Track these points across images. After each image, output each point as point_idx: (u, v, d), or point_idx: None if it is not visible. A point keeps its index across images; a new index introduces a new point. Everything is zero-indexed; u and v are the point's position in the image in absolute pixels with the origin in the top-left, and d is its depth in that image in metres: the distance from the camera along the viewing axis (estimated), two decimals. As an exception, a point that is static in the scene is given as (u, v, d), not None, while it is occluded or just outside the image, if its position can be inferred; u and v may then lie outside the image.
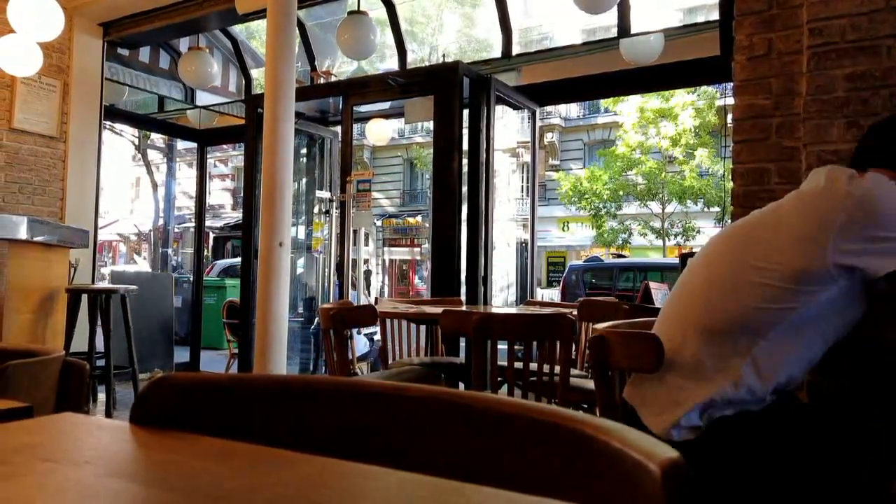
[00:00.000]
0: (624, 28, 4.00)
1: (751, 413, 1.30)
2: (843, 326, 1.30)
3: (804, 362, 1.30)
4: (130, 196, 23.05)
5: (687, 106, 15.14)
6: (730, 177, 2.46)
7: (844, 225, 1.21)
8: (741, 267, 1.33)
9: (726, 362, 1.28)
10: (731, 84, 2.46)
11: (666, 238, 16.56)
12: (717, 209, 15.33)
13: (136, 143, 15.73)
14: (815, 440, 1.28)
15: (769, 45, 2.33)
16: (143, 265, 19.54)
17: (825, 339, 1.29)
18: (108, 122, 5.91)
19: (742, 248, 1.36)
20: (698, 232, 16.04)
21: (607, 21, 4.37)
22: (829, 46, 2.09)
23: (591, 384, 2.33)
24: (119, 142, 15.24)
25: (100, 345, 3.87)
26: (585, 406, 2.52)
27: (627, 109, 16.04)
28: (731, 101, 2.57)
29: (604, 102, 17.95)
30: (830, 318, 1.28)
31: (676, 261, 7.39)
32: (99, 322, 3.74)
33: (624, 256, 14.18)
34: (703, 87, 14.94)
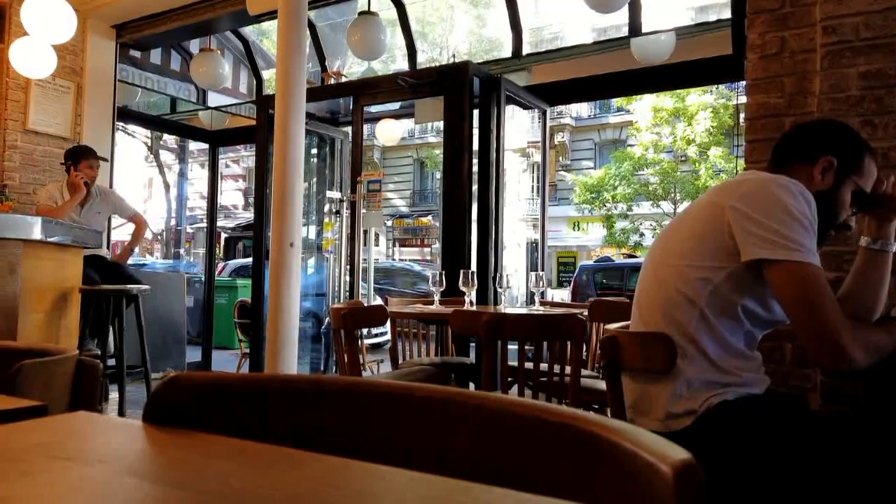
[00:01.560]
0: (635, 27, 3.99)
1: (752, 398, 1.31)
2: (758, 306, 1.35)
3: (747, 335, 1.36)
4: (143, 197, 23.23)
5: (703, 107, 15.02)
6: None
7: (740, 199, 1.31)
8: (664, 251, 1.45)
9: (684, 338, 1.34)
10: (744, 83, 2.44)
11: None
12: None
13: (149, 144, 15.86)
14: (824, 438, 1.27)
15: (782, 44, 2.31)
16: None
17: (751, 317, 1.35)
18: (120, 124, 5.96)
19: (666, 241, 1.48)
20: (712, 231, 15.91)
21: (618, 20, 4.35)
22: (844, 44, 2.07)
23: (601, 385, 2.32)
24: (132, 143, 15.36)
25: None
26: (596, 407, 2.51)
27: (641, 108, 15.96)
28: (743, 99, 2.55)
29: (616, 102, 17.88)
30: (744, 293, 1.33)
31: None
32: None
33: (635, 256, 14.11)
34: (720, 87, 14.84)
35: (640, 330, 1.44)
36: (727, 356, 1.33)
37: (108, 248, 4.37)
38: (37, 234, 2.89)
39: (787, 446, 1.24)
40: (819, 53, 2.13)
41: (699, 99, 15.11)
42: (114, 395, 4.10)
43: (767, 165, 1.51)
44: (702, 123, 15.02)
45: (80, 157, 4.03)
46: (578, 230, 19.35)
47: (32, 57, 3.91)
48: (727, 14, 3.66)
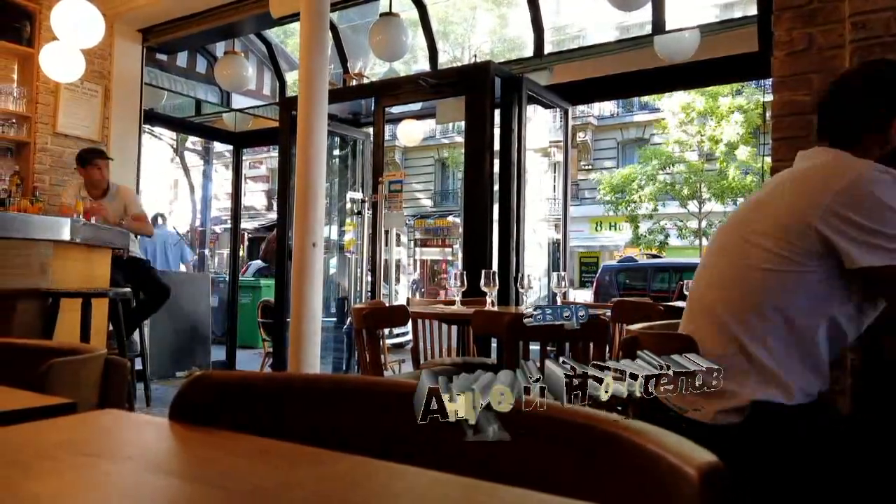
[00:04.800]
0: (658, 25, 3.95)
1: (794, 405, 1.26)
2: (848, 322, 1.28)
3: (830, 351, 1.30)
4: (169, 198, 23.55)
5: (735, 108, 14.77)
6: (769, 174, 2.40)
7: (834, 199, 1.23)
8: (744, 237, 1.36)
9: (763, 344, 1.28)
10: (770, 80, 2.40)
11: (703, 238, 16.26)
12: None
13: (174, 145, 16.07)
14: (854, 442, 1.24)
15: (809, 40, 2.27)
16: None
17: (838, 329, 1.29)
18: (147, 126, 6.05)
19: (744, 220, 1.41)
20: (738, 231, 15.66)
21: (641, 18, 4.32)
22: (873, 40, 2.03)
23: (624, 386, 2.30)
24: (158, 145, 15.58)
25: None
26: (619, 408, 2.49)
27: (670, 105, 15.76)
28: (770, 97, 2.52)
29: (643, 99, 17.70)
30: (831, 305, 1.27)
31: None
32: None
33: (659, 257, 13.97)
34: (748, 88, 14.60)
35: (691, 326, 1.42)
36: (815, 372, 1.29)
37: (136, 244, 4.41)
38: (66, 234, 2.95)
39: (818, 452, 1.21)
40: (848, 50, 2.09)
41: (730, 101, 14.87)
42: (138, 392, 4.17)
43: (830, 141, 1.40)
44: (732, 126, 14.77)
45: (86, 161, 4.07)
46: (601, 229, 19.18)
47: (61, 61, 4.00)
48: (753, 10, 3.61)
